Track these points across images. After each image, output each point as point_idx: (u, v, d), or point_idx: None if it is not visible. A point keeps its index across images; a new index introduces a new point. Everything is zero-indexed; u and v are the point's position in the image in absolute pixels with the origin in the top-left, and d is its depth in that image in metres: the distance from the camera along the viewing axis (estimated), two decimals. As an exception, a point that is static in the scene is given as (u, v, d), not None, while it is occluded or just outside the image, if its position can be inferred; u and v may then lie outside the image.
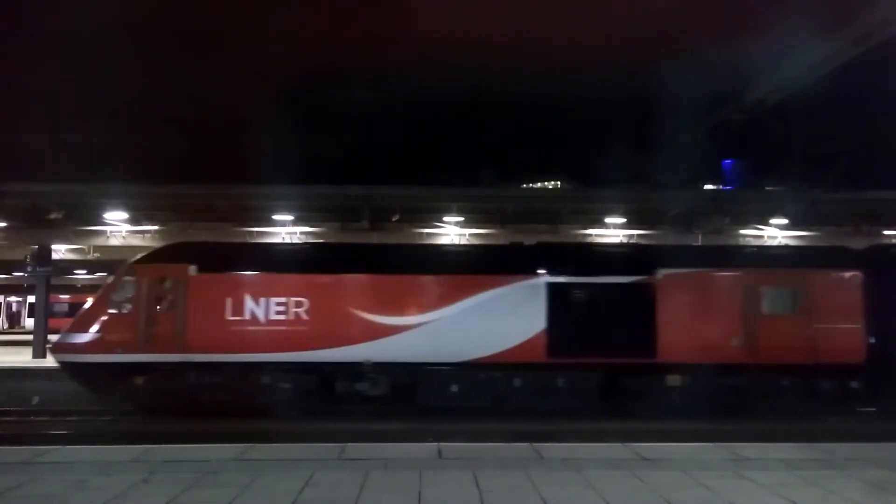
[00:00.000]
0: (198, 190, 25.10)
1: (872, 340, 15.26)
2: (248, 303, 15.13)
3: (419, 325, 15.14)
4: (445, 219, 25.51)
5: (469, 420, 14.35)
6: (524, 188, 47.80)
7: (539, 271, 15.59)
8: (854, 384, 15.25)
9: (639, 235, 26.24)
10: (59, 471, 8.30)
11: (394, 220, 25.21)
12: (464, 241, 25.74)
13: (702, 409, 14.41)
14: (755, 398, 15.16)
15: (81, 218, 25.10)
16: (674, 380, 15.15)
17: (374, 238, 24.60)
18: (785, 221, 24.59)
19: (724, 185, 52.77)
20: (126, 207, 24.50)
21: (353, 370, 15.09)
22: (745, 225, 26.16)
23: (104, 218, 24.99)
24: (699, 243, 24.81)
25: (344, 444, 9.63)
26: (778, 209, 24.55)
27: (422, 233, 25.98)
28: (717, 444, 10.05)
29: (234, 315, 15.12)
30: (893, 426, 13.64)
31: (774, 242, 25.89)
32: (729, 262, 16.33)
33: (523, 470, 8.33)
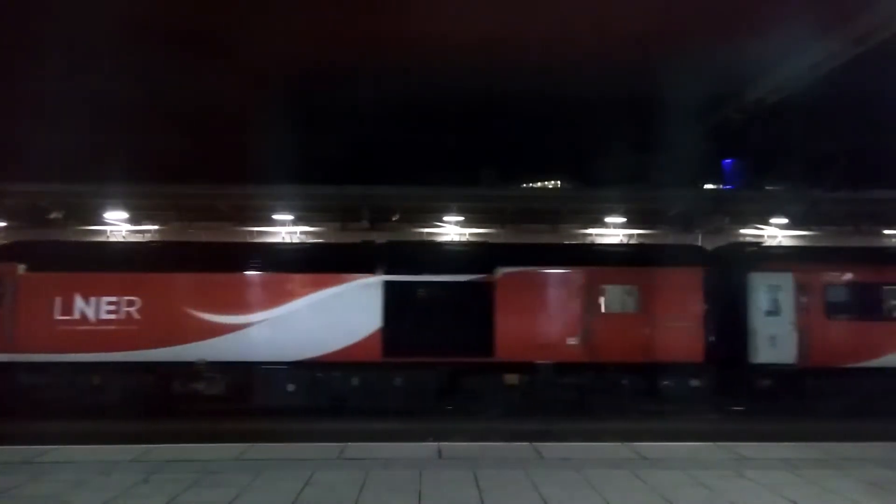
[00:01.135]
0: (198, 190, 25.11)
1: (712, 339, 15.19)
2: (78, 302, 14.91)
3: (252, 323, 14.99)
4: (445, 219, 25.52)
5: (469, 420, 14.36)
6: (524, 188, 47.76)
7: (376, 270, 15.46)
8: (695, 382, 15.18)
9: (639, 235, 26.26)
10: (60, 470, 8.31)
11: (394, 219, 25.23)
12: (464, 240, 25.76)
13: (541, 409, 14.60)
14: (595, 397, 15.11)
15: (81, 218, 25.11)
16: (511, 379, 15.09)
17: (375, 237, 24.62)
18: (785, 221, 24.59)
19: (724, 184, 52.68)
20: (126, 207, 24.51)
21: (189, 370, 14.92)
22: (745, 224, 26.17)
23: (104, 218, 25.00)
24: (700, 243, 24.84)
25: (344, 444, 9.64)
26: (778, 209, 24.55)
27: (422, 232, 26.00)
28: (718, 443, 10.07)
29: (63, 314, 14.89)
30: (893, 426, 13.63)
31: (774, 242, 25.92)
32: (569, 261, 16.14)
33: (523, 469, 8.34)
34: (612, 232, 26.24)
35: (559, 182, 64.48)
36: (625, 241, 26.23)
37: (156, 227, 25.99)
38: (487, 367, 15.06)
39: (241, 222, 25.71)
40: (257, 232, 25.77)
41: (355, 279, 15.34)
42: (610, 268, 15.83)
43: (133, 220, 25.40)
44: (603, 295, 15.44)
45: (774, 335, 15.19)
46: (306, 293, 15.22)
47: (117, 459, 8.86)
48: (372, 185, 26.15)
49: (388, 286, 15.24)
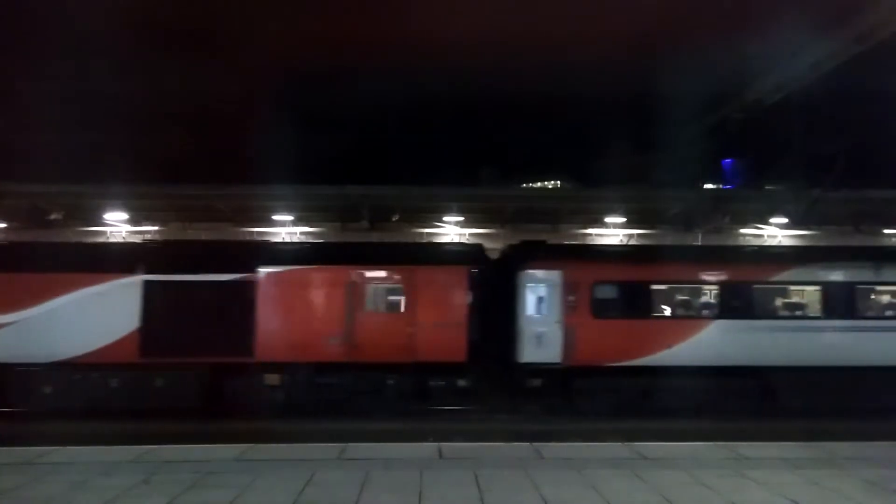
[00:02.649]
0: (197, 190, 25.11)
1: (476, 338, 14.98)
2: None
3: (7, 324, 14.71)
4: (445, 219, 25.52)
5: (469, 420, 14.36)
6: (524, 188, 47.80)
7: (136, 270, 15.10)
8: (461, 382, 15.05)
9: (639, 235, 26.27)
10: (61, 471, 8.31)
11: (394, 220, 25.23)
12: (463, 241, 25.77)
13: (304, 408, 14.54)
14: (359, 397, 14.95)
15: (81, 218, 25.11)
16: (272, 379, 14.86)
17: (375, 238, 24.63)
18: (785, 220, 24.59)
19: (724, 184, 52.73)
20: (126, 208, 24.51)
21: None
22: (745, 224, 26.17)
23: (104, 218, 25.00)
24: (699, 242, 24.84)
25: (344, 444, 9.64)
26: (778, 208, 24.54)
27: (422, 232, 26.00)
28: (718, 443, 10.06)
29: None
30: (894, 425, 13.62)
31: (774, 242, 25.93)
32: (332, 260, 15.84)
33: (524, 469, 8.34)
34: (612, 232, 26.25)
35: (559, 182, 64.61)
36: (625, 240, 26.24)
37: (156, 227, 26.01)
38: (249, 368, 14.84)
39: (241, 223, 25.72)
40: (257, 232, 25.79)
41: (113, 279, 14.98)
42: (373, 267, 15.50)
43: (133, 221, 25.41)
44: (365, 294, 15.19)
45: (541, 334, 15.00)
46: (62, 293, 14.87)
47: (118, 460, 8.86)
48: (372, 185, 26.15)
49: (148, 286, 14.90)
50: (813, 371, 14.80)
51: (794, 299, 16.01)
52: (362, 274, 15.31)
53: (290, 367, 14.86)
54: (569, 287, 15.23)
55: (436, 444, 9.85)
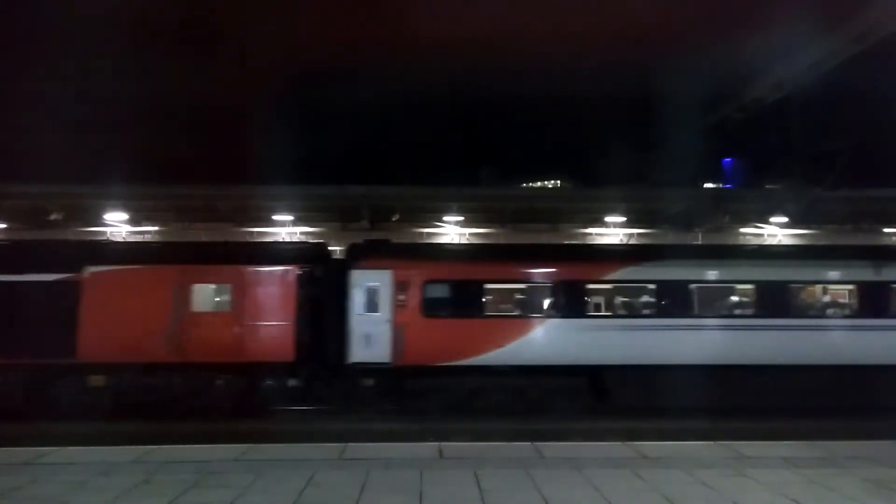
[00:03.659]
0: (198, 191, 25.14)
1: (305, 338, 14.90)
2: None
3: None
4: (445, 219, 25.53)
5: (470, 419, 14.36)
6: (524, 188, 47.80)
7: None
8: (292, 382, 14.94)
9: (639, 234, 26.27)
10: (61, 472, 8.30)
11: (394, 220, 25.24)
12: (464, 241, 25.76)
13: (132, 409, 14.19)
14: (188, 398, 14.70)
15: (82, 219, 25.12)
16: (97, 380, 14.62)
17: (375, 237, 24.61)
18: (785, 220, 24.59)
19: (724, 183, 52.81)
20: (126, 208, 24.52)
21: None
22: (745, 223, 26.18)
23: (104, 219, 25.01)
24: (700, 242, 24.83)
25: (345, 444, 9.64)
26: (778, 208, 24.54)
27: (422, 232, 26.01)
28: (719, 442, 10.06)
29: None
30: (894, 425, 13.62)
31: (774, 241, 25.93)
32: (158, 259, 15.63)
33: (524, 469, 8.33)
34: (612, 231, 26.26)
35: (559, 182, 64.66)
36: (625, 240, 26.24)
37: (156, 227, 26.01)
38: (72, 369, 14.56)
39: (241, 223, 25.73)
40: (257, 232, 25.79)
41: None
42: (200, 266, 15.32)
43: (133, 222, 25.41)
44: (192, 294, 14.98)
45: (370, 334, 14.82)
46: None
47: (118, 461, 8.86)
48: (372, 185, 26.18)
49: None
50: (647, 370, 14.70)
51: (628, 298, 15.92)
52: (189, 273, 15.07)
53: (116, 368, 14.54)
54: (399, 286, 15.06)
55: (436, 443, 9.84)
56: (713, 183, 47.67)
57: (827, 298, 16.08)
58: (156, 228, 26.01)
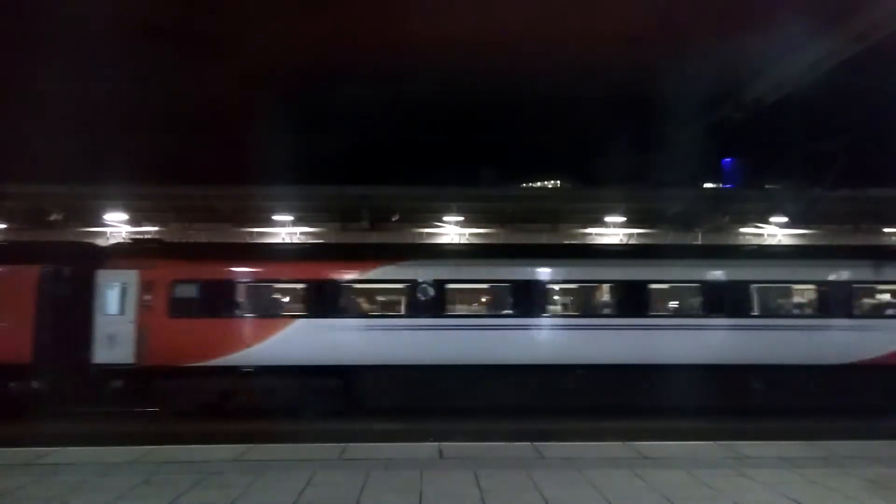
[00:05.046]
0: (197, 191, 25.12)
1: (47, 339, 14.50)
2: None
3: None
4: (445, 219, 25.53)
5: (470, 420, 14.36)
6: (524, 188, 47.81)
7: None
8: (35, 384, 14.51)
9: (638, 234, 26.28)
10: (61, 472, 8.30)
11: (394, 220, 25.24)
12: (464, 241, 25.77)
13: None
14: None
15: (82, 219, 25.13)
16: None
17: (375, 238, 24.64)
18: (784, 219, 24.60)
19: (724, 183, 52.81)
20: (126, 209, 24.52)
21: None
22: (745, 223, 26.19)
23: (104, 219, 25.01)
24: (699, 242, 24.85)
25: (345, 445, 9.64)
26: (777, 207, 24.56)
27: (422, 233, 26.01)
28: (719, 442, 10.06)
29: None
30: (894, 424, 13.62)
31: (774, 241, 25.94)
32: None
33: (524, 469, 8.33)
34: (612, 231, 26.27)
35: (559, 182, 64.64)
36: (625, 240, 26.25)
37: (156, 227, 26.01)
38: None
39: (241, 223, 25.73)
40: (257, 233, 25.80)
41: None
42: None
43: (133, 222, 25.43)
44: None
45: (114, 334, 14.51)
46: None
47: (118, 461, 8.86)
48: (372, 185, 26.17)
49: None
50: (400, 370, 14.59)
51: (381, 298, 15.79)
52: None
53: None
54: (145, 287, 14.80)
55: (436, 443, 9.84)
56: (713, 183, 47.68)
57: (569, 299, 16.02)
58: (156, 228, 26.02)
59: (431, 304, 14.98)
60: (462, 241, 25.64)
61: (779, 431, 11.93)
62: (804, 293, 16.01)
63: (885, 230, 25.86)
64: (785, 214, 24.19)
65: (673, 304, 16.22)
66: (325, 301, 14.97)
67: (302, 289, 15.28)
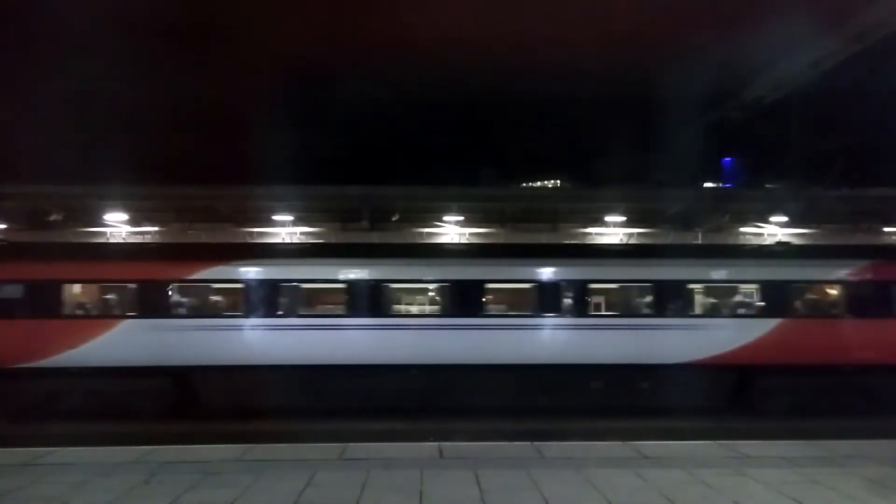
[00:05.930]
0: (197, 191, 25.11)
1: None
2: None
3: None
4: (445, 219, 25.51)
5: (470, 419, 14.35)
6: (524, 188, 47.82)
7: None
8: None
9: (638, 234, 26.27)
10: (61, 472, 8.30)
11: (394, 220, 25.23)
12: (463, 241, 25.75)
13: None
14: None
15: (81, 219, 25.11)
16: None
17: (375, 238, 24.62)
18: (784, 219, 24.61)
19: (724, 182, 52.77)
20: (126, 209, 24.50)
21: None
22: (745, 223, 26.19)
23: (104, 219, 24.99)
24: (699, 241, 24.85)
25: (345, 444, 9.64)
26: (777, 207, 24.57)
27: (422, 233, 26.00)
28: (719, 441, 10.06)
29: None
30: (894, 424, 13.61)
31: (774, 240, 25.92)
32: None
33: (524, 469, 8.33)
34: (612, 231, 26.26)
35: (559, 182, 64.61)
36: (625, 240, 26.25)
37: (155, 228, 26.00)
38: None
39: (241, 223, 25.71)
40: (257, 233, 25.78)
41: None
42: None
43: (133, 222, 25.41)
44: None
45: None
46: None
47: (118, 461, 8.86)
48: (372, 185, 26.15)
49: None
50: (237, 371, 14.39)
51: (212, 298, 15.51)
52: None
53: None
54: None
55: (436, 443, 9.84)
56: (713, 182, 47.65)
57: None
58: (156, 229, 26.02)
59: (261, 304, 14.81)
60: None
61: (779, 431, 11.93)
62: (639, 292, 15.87)
63: (885, 230, 25.85)
64: (785, 214, 24.21)
65: (509, 303, 15.93)
66: (151, 301, 14.72)
67: (128, 289, 14.99)
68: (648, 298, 15.55)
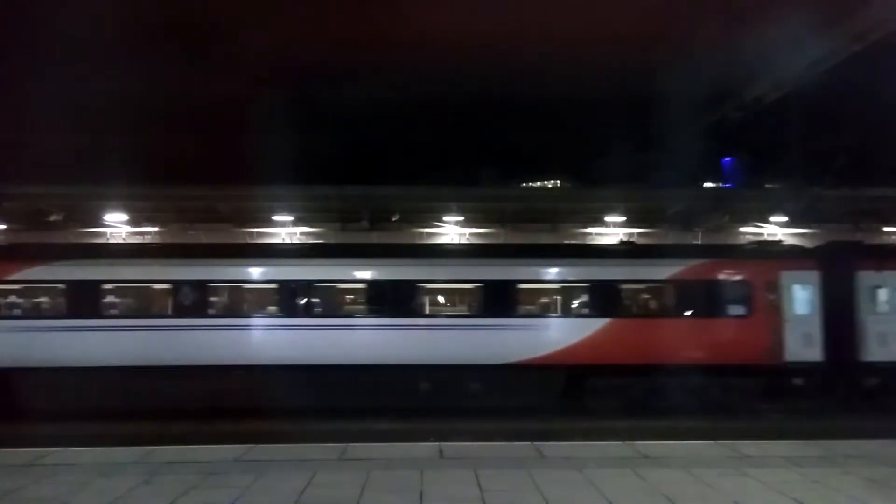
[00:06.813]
0: (197, 192, 25.12)
1: None
2: None
3: None
4: (445, 219, 25.52)
5: (470, 419, 14.36)
6: (524, 188, 47.81)
7: None
8: None
9: (639, 234, 26.27)
10: (61, 473, 8.30)
11: (394, 220, 25.25)
12: (464, 241, 25.76)
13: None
14: None
15: (81, 220, 25.11)
16: None
17: (375, 238, 24.63)
18: (784, 219, 24.62)
19: (724, 182, 52.74)
20: (126, 209, 24.51)
21: None
22: (745, 222, 26.20)
23: (104, 220, 24.99)
24: (699, 241, 24.86)
25: (345, 445, 9.64)
26: (777, 206, 24.57)
27: (422, 233, 26.01)
28: (719, 441, 10.06)
29: None
30: (894, 424, 13.62)
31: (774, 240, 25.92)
32: None
33: (525, 469, 8.33)
34: (612, 231, 26.27)
35: (559, 182, 64.56)
36: (624, 240, 26.26)
37: (156, 228, 26.00)
38: None
39: (241, 224, 25.72)
40: (257, 233, 25.79)
41: None
42: None
43: (133, 222, 25.41)
44: None
45: None
46: None
47: (119, 461, 8.86)
48: (372, 186, 26.17)
49: None
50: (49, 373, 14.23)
51: (36, 299, 15.43)
52: None
53: None
54: None
55: (436, 443, 9.85)
56: (713, 182, 47.63)
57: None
58: (156, 229, 26.02)
59: (80, 305, 14.71)
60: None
61: (779, 431, 11.94)
62: (467, 293, 15.86)
63: (885, 229, 25.86)
64: (784, 213, 24.21)
65: (334, 304, 15.95)
66: None
67: None
68: (476, 298, 15.51)
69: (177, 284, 15.02)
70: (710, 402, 14.80)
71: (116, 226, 25.54)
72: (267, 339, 14.98)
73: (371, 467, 8.41)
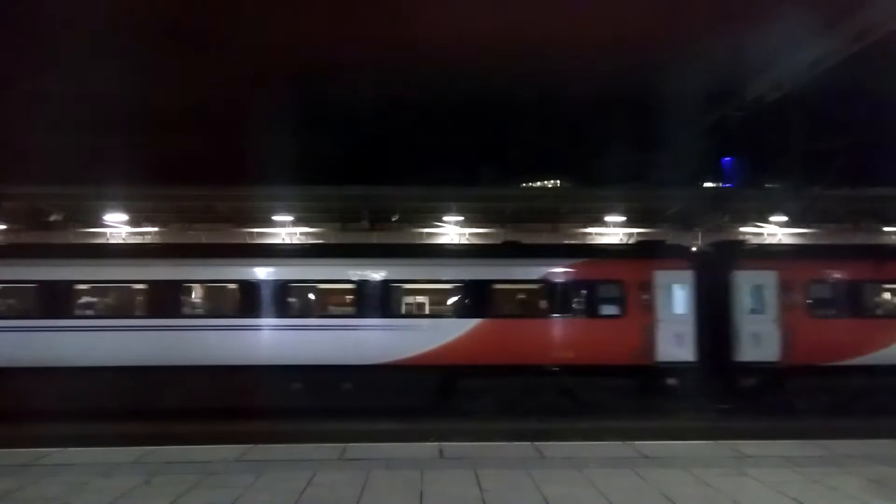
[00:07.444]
0: (197, 192, 25.13)
1: None
2: None
3: None
4: (445, 219, 25.53)
5: (471, 420, 14.36)
6: (524, 188, 47.81)
7: None
8: None
9: (639, 234, 26.28)
10: (61, 473, 8.30)
11: (394, 220, 25.25)
12: (464, 241, 25.76)
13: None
14: None
15: (81, 220, 25.12)
16: None
17: (375, 238, 24.64)
18: (784, 218, 24.61)
19: (724, 182, 52.70)
20: (126, 209, 24.52)
21: None
22: (745, 222, 26.21)
23: (104, 220, 25.00)
24: (700, 241, 24.86)
25: (345, 445, 9.64)
26: (777, 206, 24.57)
27: (422, 233, 26.02)
28: (719, 441, 10.06)
29: None
30: (893, 424, 13.61)
31: (774, 240, 25.94)
32: None
33: (525, 469, 8.33)
34: (612, 231, 26.28)
35: (559, 182, 64.54)
36: (624, 239, 26.26)
37: (155, 228, 26.01)
38: None
39: (241, 224, 25.74)
40: (257, 233, 25.79)
41: None
42: None
43: (133, 222, 25.42)
44: None
45: None
46: None
47: (119, 461, 8.86)
48: (372, 186, 26.18)
49: None
50: None
51: None
52: None
53: None
54: None
55: (437, 443, 9.84)
56: (713, 182, 47.60)
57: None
58: (156, 229, 26.02)
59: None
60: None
61: (779, 431, 11.94)
62: (337, 292, 15.75)
63: (885, 229, 25.87)
64: (784, 213, 24.20)
65: (203, 304, 15.81)
66: None
67: None
68: (346, 298, 15.42)
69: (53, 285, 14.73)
70: (584, 403, 14.72)
71: (116, 226, 25.54)
72: (134, 341, 14.62)
73: (371, 467, 8.41)
